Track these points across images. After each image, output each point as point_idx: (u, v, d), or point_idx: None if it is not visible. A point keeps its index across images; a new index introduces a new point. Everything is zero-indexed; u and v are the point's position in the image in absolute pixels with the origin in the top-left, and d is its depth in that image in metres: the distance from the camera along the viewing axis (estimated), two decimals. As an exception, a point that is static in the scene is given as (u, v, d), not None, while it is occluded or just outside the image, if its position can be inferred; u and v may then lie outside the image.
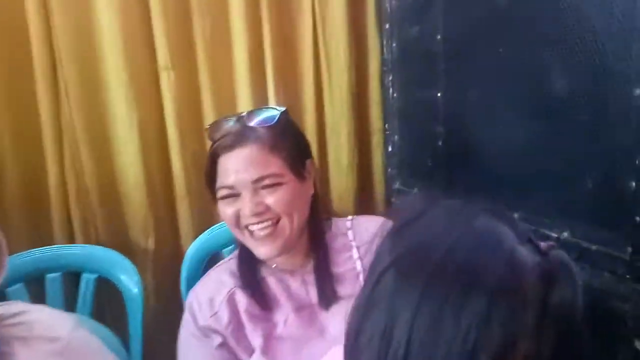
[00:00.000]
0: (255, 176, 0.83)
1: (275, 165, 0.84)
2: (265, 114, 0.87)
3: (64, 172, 1.27)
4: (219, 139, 0.86)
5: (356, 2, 1.43)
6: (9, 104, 1.22)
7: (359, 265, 0.91)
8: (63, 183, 1.27)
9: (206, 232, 1.27)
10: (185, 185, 1.34)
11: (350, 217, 0.99)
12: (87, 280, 1.19)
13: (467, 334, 0.41)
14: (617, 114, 0.80)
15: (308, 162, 0.91)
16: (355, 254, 0.92)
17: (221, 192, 0.86)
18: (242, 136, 0.84)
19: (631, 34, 0.77)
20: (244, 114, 0.88)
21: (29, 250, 1.18)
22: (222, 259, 1.25)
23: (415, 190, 1.33)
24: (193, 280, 1.18)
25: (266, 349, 0.86)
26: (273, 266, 0.92)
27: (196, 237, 1.28)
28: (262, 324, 0.87)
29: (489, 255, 0.44)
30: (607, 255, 0.83)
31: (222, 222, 1.28)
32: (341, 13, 1.40)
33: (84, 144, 1.27)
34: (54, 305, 1.08)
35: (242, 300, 0.89)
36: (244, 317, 0.88)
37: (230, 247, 1.25)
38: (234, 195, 0.85)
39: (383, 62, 1.41)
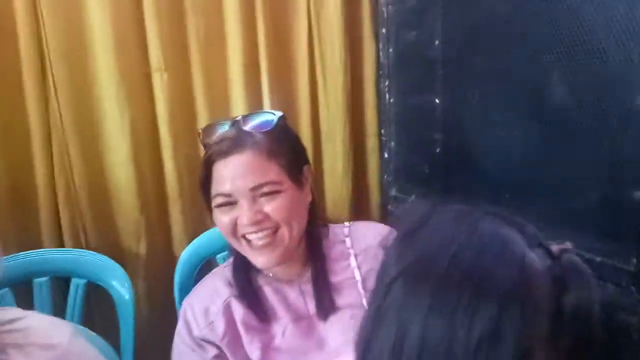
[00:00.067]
0: (253, 184, 0.80)
1: (274, 172, 0.81)
2: (261, 119, 0.85)
3: (53, 174, 1.24)
4: (213, 145, 0.84)
5: (352, 7, 1.42)
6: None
7: (357, 274, 0.89)
8: (52, 184, 1.24)
9: (199, 237, 1.24)
10: (178, 188, 1.32)
11: (347, 224, 0.97)
12: (76, 286, 1.16)
13: (479, 344, 0.41)
14: (619, 122, 0.80)
15: (305, 168, 0.89)
16: (353, 261, 0.90)
17: (217, 200, 0.83)
18: (238, 142, 0.82)
19: (634, 41, 0.77)
20: (238, 118, 0.85)
21: (16, 254, 1.14)
22: (216, 264, 1.24)
23: (412, 197, 1.32)
24: (186, 286, 1.16)
25: None
26: (269, 275, 0.90)
27: (189, 241, 1.25)
28: (259, 335, 0.85)
29: (496, 261, 0.43)
30: (611, 266, 0.83)
31: (215, 227, 1.26)
32: (336, 17, 1.39)
33: (73, 145, 1.24)
34: (41, 311, 1.05)
35: (238, 310, 0.86)
36: (241, 328, 0.85)
37: (224, 253, 1.23)
38: (231, 203, 0.82)
39: (379, 67, 1.40)
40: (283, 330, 0.86)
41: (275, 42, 1.37)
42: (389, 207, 1.43)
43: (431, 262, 0.45)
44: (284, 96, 1.40)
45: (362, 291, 0.87)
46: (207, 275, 0.95)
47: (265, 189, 0.81)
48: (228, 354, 0.84)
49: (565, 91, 0.88)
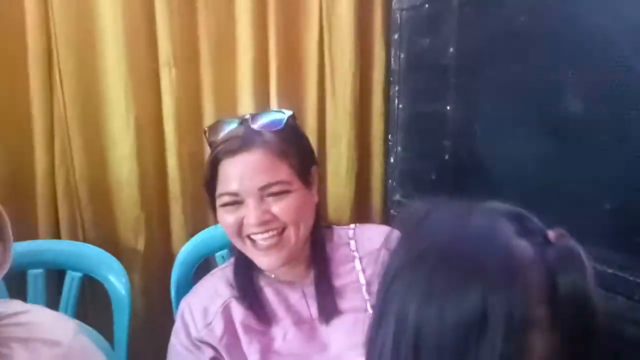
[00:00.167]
0: (262, 183, 0.78)
1: (284, 172, 0.80)
2: (271, 117, 0.83)
3: (53, 165, 1.22)
4: (221, 143, 0.82)
5: (364, 11, 1.41)
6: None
7: (362, 278, 0.87)
8: (51, 175, 1.22)
9: (198, 234, 1.23)
10: (180, 186, 1.30)
11: (352, 226, 0.95)
12: (71, 278, 1.13)
13: (468, 327, 0.43)
14: (635, 135, 0.78)
15: (313, 168, 0.87)
16: (357, 265, 0.88)
17: (223, 199, 0.81)
18: (247, 140, 0.80)
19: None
20: (247, 116, 0.84)
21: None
22: (215, 263, 1.22)
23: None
24: (183, 284, 1.14)
25: None
26: (272, 276, 0.88)
27: (188, 239, 1.23)
28: (259, 337, 0.83)
29: (482, 250, 0.45)
30: (623, 279, 0.81)
31: (215, 225, 1.24)
32: (348, 21, 1.38)
33: (75, 137, 1.22)
34: (34, 303, 1.03)
35: (238, 312, 0.84)
36: (240, 330, 0.83)
37: (223, 252, 1.21)
38: (237, 203, 0.80)
39: (389, 73, 1.38)
40: (284, 333, 0.84)
41: (285, 43, 1.36)
42: (392, 211, 1.41)
43: (425, 255, 0.47)
44: (292, 97, 1.39)
45: (366, 295, 0.85)
46: (207, 275, 0.93)
47: (274, 189, 0.79)
48: (225, 356, 0.82)
49: (581, 101, 0.87)
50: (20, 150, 1.20)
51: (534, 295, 0.44)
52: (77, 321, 0.77)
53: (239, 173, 0.79)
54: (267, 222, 0.79)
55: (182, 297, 1.12)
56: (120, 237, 1.28)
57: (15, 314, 0.67)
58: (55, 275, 1.17)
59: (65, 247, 1.16)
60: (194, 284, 1.14)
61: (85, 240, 1.24)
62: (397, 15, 1.32)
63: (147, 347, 1.26)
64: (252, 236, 0.81)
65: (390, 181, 1.41)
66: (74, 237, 1.24)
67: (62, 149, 1.22)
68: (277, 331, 0.84)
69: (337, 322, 0.84)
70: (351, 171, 1.46)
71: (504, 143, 1.02)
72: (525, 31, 0.96)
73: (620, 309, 0.81)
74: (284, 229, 0.80)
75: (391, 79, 1.38)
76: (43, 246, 1.15)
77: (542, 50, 0.93)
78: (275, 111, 0.84)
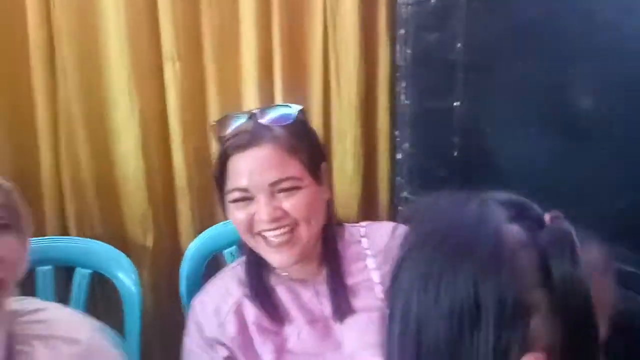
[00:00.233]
0: (272, 179, 0.78)
1: (294, 167, 0.79)
2: (280, 112, 0.82)
3: (59, 161, 1.22)
4: (229, 138, 0.81)
5: (368, 6, 1.40)
6: (2, 87, 1.16)
7: (375, 276, 0.86)
8: (57, 172, 1.22)
9: (207, 231, 1.23)
10: (187, 181, 1.30)
11: (364, 224, 0.94)
12: (81, 276, 1.13)
13: (462, 309, 0.44)
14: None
15: (323, 164, 0.87)
16: (370, 263, 0.88)
17: (233, 195, 0.80)
18: (256, 135, 0.79)
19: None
20: (255, 111, 0.83)
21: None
22: (223, 259, 1.22)
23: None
24: (193, 281, 1.14)
25: None
26: (283, 274, 0.87)
27: (196, 235, 1.23)
28: (272, 337, 0.82)
29: (475, 233, 0.46)
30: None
31: (223, 222, 1.25)
32: (353, 16, 1.37)
33: (80, 132, 1.22)
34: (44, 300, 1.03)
35: (250, 311, 0.84)
36: (253, 330, 0.83)
37: (231, 249, 1.21)
38: (247, 199, 0.79)
39: (395, 69, 1.38)
40: (298, 332, 0.83)
41: (290, 38, 1.35)
42: (399, 208, 1.41)
43: (424, 243, 0.49)
44: (296, 92, 1.37)
45: (380, 294, 0.85)
46: (218, 274, 0.93)
47: (285, 185, 0.78)
48: (239, 356, 0.82)
49: (594, 97, 0.86)
50: (26, 147, 1.20)
51: (526, 279, 0.44)
52: (94, 320, 0.77)
53: (248, 168, 0.78)
54: (279, 218, 0.78)
55: (191, 294, 1.12)
56: (128, 233, 1.28)
57: (35, 311, 0.68)
58: (64, 272, 1.17)
59: (74, 244, 1.16)
60: (203, 280, 1.14)
61: (93, 237, 1.23)
62: (403, 10, 1.31)
63: (157, 343, 1.26)
64: (263, 233, 0.80)
65: (397, 178, 1.40)
66: (81, 233, 1.24)
67: (68, 145, 1.22)
68: (290, 330, 0.83)
69: (350, 321, 0.83)
70: (357, 168, 1.45)
71: (514, 139, 1.02)
72: (536, 25, 0.95)
73: (638, 307, 0.81)
74: (295, 226, 0.80)
75: (397, 74, 1.37)
76: (52, 243, 1.15)
77: (554, 45, 0.93)
78: (284, 106, 0.83)
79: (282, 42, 1.33)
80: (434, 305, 0.45)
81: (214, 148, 1.32)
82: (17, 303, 0.68)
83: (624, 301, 0.80)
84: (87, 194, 1.24)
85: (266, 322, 0.83)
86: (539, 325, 0.44)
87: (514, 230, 0.46)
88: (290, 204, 0.79)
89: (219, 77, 1.31)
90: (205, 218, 1.32)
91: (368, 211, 1.49)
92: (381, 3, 1.40)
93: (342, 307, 0.84)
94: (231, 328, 0.83)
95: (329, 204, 0.88)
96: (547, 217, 0.48)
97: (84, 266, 1.14)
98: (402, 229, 0.53)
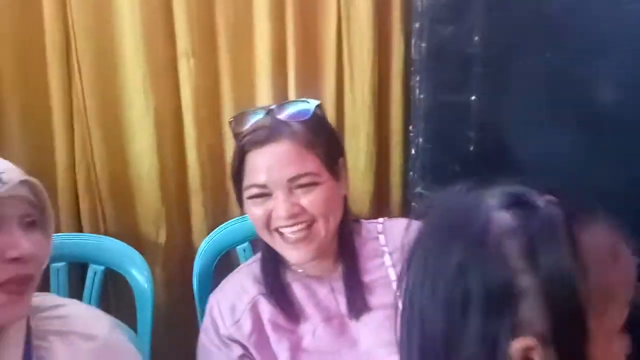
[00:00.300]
0: (291, 175, 0.77)
1: (312, 163, 0.78)
2: (298, 107, 0.82)
3: (74, 158, 1.22)
4: (247, 134, 0.80)
5: (383, 0, 1.39)
6: (18, 84, 1.16)
7: (392, 274, 0.85)
8: (72, 169, 1.22)
9: (219, 228, 1.22)
10: (200, 178, 1.29)
11: (381, 220, 0.93)
12: (94, 272, 1.13)
13: (453, 296, 0.46)
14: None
15: (341, 160, 0.86)
16: (387, 260, 0.87)
17: (250, 191, 0.80)
18: (274, 131, 0.79)
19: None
20: (272, 106, 0.82)
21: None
22: (236, 256, 1.21)
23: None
24: (205, 278, 1.14)
25: None
26: (299, 271, 0.86)
27: (209, 233, 1.23)
28: (288, 335, 0.82)
29: (465, 221, 0.48)
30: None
31: (235, 219, 1.24)
32: (367, 10, 1.35)
33: (95, 129, 1.21)
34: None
35: (266, 309, 0.83)
36: (268, 328, 0.82)
37: (244, 245, 1.21)
38: (265, 195, 0.79)
39: (410, 63, 1.36)
40: (313, 330, 0.82)
41: (304, 32, 1.33)
42: (413, 203, 1.39)
43: (427, 238, 0.51)
44: (310, 88, 1.36)
45: (397, 292, 0.83)
46: (234, 272, 0.92)
47: (303, 181, 0.78)
48: (254, 354, 0.81)
49: (617, 92, 0.84)
50: (41, 145, 1.20)
51: (512, 265, 0.45)
52: (110, 316, 0.77)
53: (266, 164, 0.78)
54: (296, 214, 0.78)
55: (204, 290, 1.12)
56: (141, 230, 1.28)
57: (53, 307, 0.69)
58: (78, 268, 1.17)
59: (87, 241, 1.16)
60: (216, 277, 1.14)
61: (106, 234, 1.23)
62: (418, 3, 1.29)
63: (170, 340, 1.26)
64: (280, 229, 0.79)
65: (411, 173, 1.39)
66: (95, 230, 1.23)
67: (82, 143, 1.21)
68: (306, 328, 0.83)
69: (366, 318, 0.82)
70: (370, 164, 1.44)
71: (533, 135, 1.00)
72: (555, 18, 0.94)
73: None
74: (313, 222, 0.79)
75: (412, 68, 1.35)
76: (65, 239, 1.14)
77: (573, 38, 0.91)
78: (302, 101, 0.83)
79: (296, 37, 1.31)
80: (432, 297, 0.47)
81: (228, 145, 1.33)
82: (37, 299, 0.68)
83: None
84: (102, 192, 1.24)
85: (282, 320, 0.83)
86: (529, 311, 0.44)
87: (503, 218, 0.46)
88: (308, 200, 0.78)
89: (233, 73, 1.30)
90: (218, 215, 1.31)
91: (381, 207, 1.48)
92: (396, -5, 1.39)
93: (358, 304, 0.83)
94: (247, 326, 0.82)
95: (346, 200, 0.87)
96: (541, 202, 0.48)
97: (97, 263, 1.14)
98: (415, 224, 0.54)
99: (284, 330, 0.82)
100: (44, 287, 1.10)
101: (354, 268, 0.85)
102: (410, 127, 1.37)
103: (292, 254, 0.80)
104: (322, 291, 0.85)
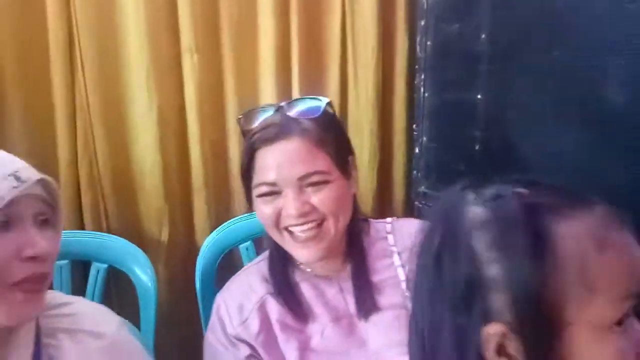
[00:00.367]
0: (301, 173, 0.76)
1: (323, 161, 0.77)
2: (308, 105, 0.80)
3: (77, 155, 1.21)
4: (257, 131, 0.79)
5: (387, -2, 1.38)
6: (20, 81, 1.15)
7: (401, 274, 0.84)
8: (74, 165, 1.21)
9: (222, 226, 1.21)
10: (203, 176, 1.29)
11: (389, 220, 0.92)
12: (97, 270, 1.12)
13: (432, 274, 0.50)
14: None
15: (350, 158, 0.85)
16: (396, 260, 0.86)
17: (260, 189, 0.79)
18: (284, 128, 0.77)
19: None
20: (282, 103, 0.81)
21: (35, 235, 1.11)
22: (239, 254, 1.21)
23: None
24: (208, 276, 1.13)
25: None
26: (307, 271, 0.86)
27: (211, 231, 1.22)
28: (296, 335, 0.81)
29: (443, 217, 0.51)
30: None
31: (238, 217, 1.23)
32: (371, 7, 1.35)
33: (98, 126, 1.20)
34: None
35: (274, 308, 0.82)
36: (276, 328, 0.81)
37: (246, 243, 1.20)
38: (275, 193, 0.78)
39: (415, 61, 1.35)
40: (322, 330, 0.81)
41: (308, 29, 1.33)
42: (416, 203, 1.38)
43: (422, 231, 0.53)
44: (314, 84, 1.36)
45: (406, 292, 0.83)
46: (241, 270, 0.91)
47: (314, 179, 0.77)
48: (262, 354, 0.80)
49: (626, 90, 0.83)
50: (44, 142, 1.19)
51: (480, 256, 0.47)
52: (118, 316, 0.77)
53: (276, 162, 0.77)
54: (307, 213, 0.77)
55: (207, 289, 1.12)
56: (143, 228, 1.27)
57: (62, 304, 0.69)
58: (81, 266, 1.16)
59: (90, 238, 1.15)
60: (218, 276, 1.13)
61: (108, 231, 1.23)
62: (424, 0, 1.29)
63: (172, 338, 1.25)
64: (290, 228, 0.78)
65: (415, 172, 1.38)
66: (97, 227, 1.22)
67: (85, 139, 1.20)
68: (314, 328, 0.82)
69: (375, 319, 0.82)
70: (373, 162, 1.43)
71: (540, 133, 0.99)
72: (564, 15, 0.93)
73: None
74: (323, 221, 0.78)
75: (416, 66, 1.34)
76: (68, 237, 1.13)
77: (582, 35, 0.90)
78: (312, 98, 0.81)
79: (300, 33, 1.31)
80: (420, 290, 0.51)
81: (231, 142, 1.32)
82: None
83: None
84: (104, 189, 1.23)
85: (290, 320, 0.82)
86: (497, 301, 0.46)
87: (476, 212, 0.49)
88: (318, 198, 0.77)
89: (237, 69, 1.29)
90: (221, 213, 1.30)
91: (383, 206, 1.48)
92: (400, -7, 1.38)
93: (367, 304, 0.82)
94: (254, 325, 0.81)
95: (355, 199, 0.86)
96: (513, 196, 0.49)
97: (100, 261, 1.12)
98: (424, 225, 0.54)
99: (292, 330, 0.81)
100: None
101: (362, 267, 0.84)
102: (414, 126, 1.37)
103: (301, 253, 0.79)
104: (331, 291, 0.84)
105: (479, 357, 0.47)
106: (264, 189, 0.78)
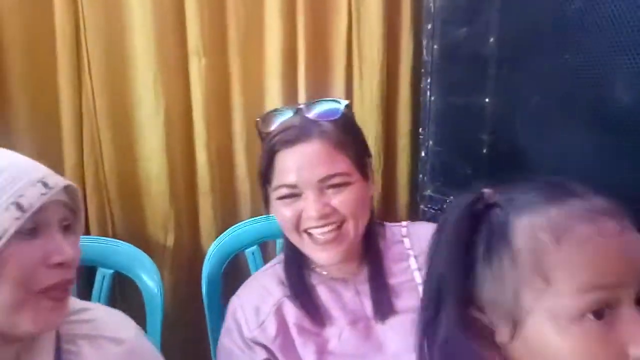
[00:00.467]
0: (322, 175, 0.76)
1: (343, 163, 0.77)
2: (327, 107, 0.81)
3: (82, 157, 1.19)
4: (277, 133, 0.78)
5: (393, 1, 1.38)
6: (27, 83, 1.13)
7: (417, 277, 0.84)
8: (80, 168, 1.19)
9: (228, 230, 1.20)
10: (209, 180, 1.28)
11: (404, 224, 0.92)
12: (103, 275, 1.10)
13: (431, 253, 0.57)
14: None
15: (369, 160, 0.85)
16: (413, 263, 0.86)
17: (280, 192, 0.78)
18: (304, 130, 0.77)
19: None
20: (301, 105, 0.81)
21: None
22: (245, 259, 1.19)
23: (450, 198, 1.28)
24: (214, 281, 1.13)
25: None
26: (324, 273, 0.85)
27: (217, 235, 1.21)
28: (313, 338, 0.80)
29: (445, 215, 0.57)
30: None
31: (244, 221, 1.22)
32: (377, 10, 1.35)
33: (104, 129, 1.19)
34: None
35: (291, 312, 0.81)
36: (294, 331, 0.80)
37: (253, 248, 1.19)
38: (295, 195, 0.77)
39: (421, 64, 1.35)
40: (339, 333, 0.81)
41: (314, 32, 1.33)
42: (422, 206, 1.38)
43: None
44: (320, 87, 1.36)
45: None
46: (257, 273, 0.91)
47: (334, 181, 0.76)
48: (279, 357, 0.79)
49: (632, 93, 0.84)
50: (50, 145, 1.17)
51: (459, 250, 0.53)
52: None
53: (297, 164, 0.76)
54: (327, 215, 0.76)
55: (213, 294, 1.10)
56: (149, 233, 1.26)
57: (81, 310, 0.68)
58: (86, 271, 1.14)
59: (96, 244, 1.13)
60: (224, 280, 1.12)
61: (114, 236, 1.21)
62: (430, 4, 1.29)
63: (178, 343, 1.24)
64: (310, 230, 0.78)
65: (421, 176, 1.38)
66: (103, 232, 1.21)
67: (91, 143, 1.19)
68: (332, 331, 0.81)
69: (392, 322, 0.81)
70: (378, 166, 1.43)
71: (550, 138, 0.99)
72: (573, 18, 0.93)
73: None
74: (342, 223, 0.78)
75: (422, 70, 1.35)
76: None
77: (591, 39, 0.91)
78: (331, 100, 0.81)
79: (306, 36, 1.31)
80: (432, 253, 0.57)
81: (238, 146, 1.31)
82: None
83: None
84: (110, 193, 1.21)
85: (307, 323, 0.81)
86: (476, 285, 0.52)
87: (459, 210, 0.54)
88: (339, 200, 0.77)
89: (244, 72, 1.29)
90: (227, 217, 1.29)
91: (388, 209, 1.48)
92: (406, -3, 1.39)
93: (384, 307, 0.82)
94: (271, 329, 0.80)
95: (372, 201, 0.86)
96: (483, 194, 0.55)
97: (106, 266, 1.11)
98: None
99: (309, 334, 0.80)
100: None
101: (379, 270, 0.84)
102: (420, 130, 1.37)
103: (320, 256, 0.79)
104: (347, 294, 0.84)
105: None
106: (284, 191, 0.78)
